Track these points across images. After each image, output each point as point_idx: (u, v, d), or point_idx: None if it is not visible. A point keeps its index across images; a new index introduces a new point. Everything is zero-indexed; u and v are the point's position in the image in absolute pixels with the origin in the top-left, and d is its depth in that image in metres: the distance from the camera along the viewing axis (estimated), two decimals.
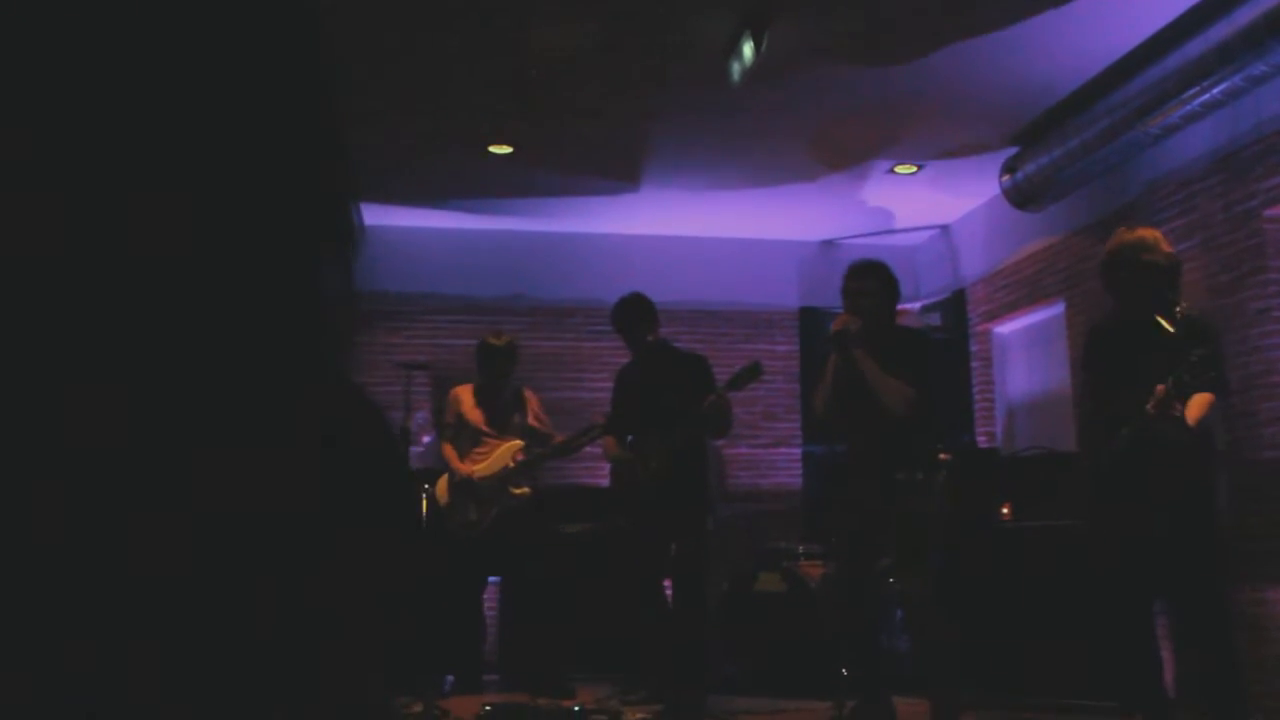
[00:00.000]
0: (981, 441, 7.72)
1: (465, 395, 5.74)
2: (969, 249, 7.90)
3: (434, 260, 7.87)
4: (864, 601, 4.38)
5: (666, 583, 5.30)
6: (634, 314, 5.27)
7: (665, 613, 5.23)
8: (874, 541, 4.35)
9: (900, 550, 4.32)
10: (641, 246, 8.12)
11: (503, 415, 5.67)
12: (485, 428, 5.61)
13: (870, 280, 4.43)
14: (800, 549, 6.36)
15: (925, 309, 8.30)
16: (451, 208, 7.68)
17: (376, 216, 7.31)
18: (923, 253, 8.49)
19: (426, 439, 7.36)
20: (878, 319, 4.39)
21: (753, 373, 4.87)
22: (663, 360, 5.24)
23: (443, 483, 5.65)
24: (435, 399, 7.12)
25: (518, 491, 5.53)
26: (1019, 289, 7.35)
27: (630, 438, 5.30)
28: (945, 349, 7.65)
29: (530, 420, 5.79)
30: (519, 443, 5.63)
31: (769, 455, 8.17)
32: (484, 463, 5.56)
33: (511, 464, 5.54)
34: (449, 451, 5.71)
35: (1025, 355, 7.62)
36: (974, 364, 7.93)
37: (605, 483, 6.30)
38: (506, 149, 6.63)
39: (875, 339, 4.33)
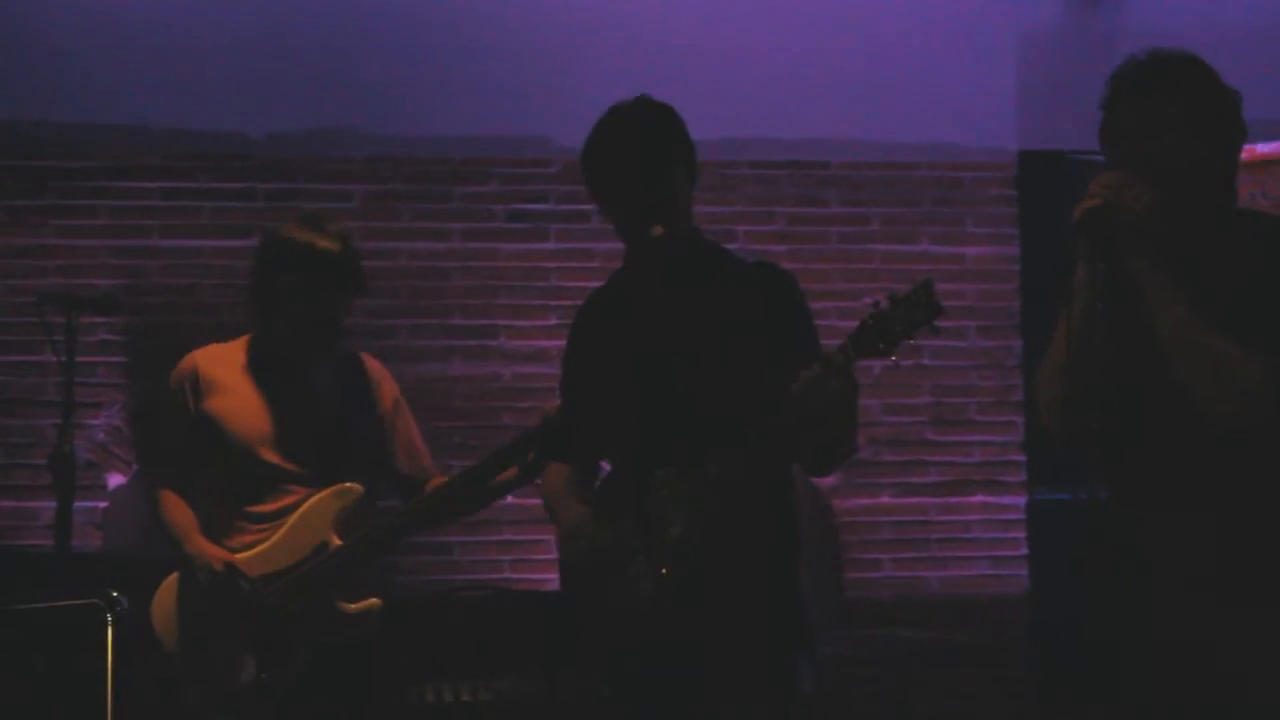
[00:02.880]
0: None
1: (224, 370, 4.36)
2: None
3: (129, 49, 6.18)
4: None
5: None
6: (631, 154, 3.70)
7: None
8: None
9: None
10: (630, 10, 6.55)
11: (318, 419, 4.26)
12: (270, 453, 4.28)
13: (1168, 98, 3.25)
14: None
15: None
16: None
17: None
18: None
19: (118, 480, 5.83)
20: (1186, 191, 3.22)
21: (918, 307, 3.38)
22: (692, 281, 3.76)
23: (165, 596, 4.32)
24: (136, 380, 5.88)
25: (354, 608, 4.19)
26: None
27: (608, 471, 4.03)
28: None
29: (392, 425, 4.44)
30: (351, 488, 4.23)
31: (951, 513, 6.61)
32: (264, 543, 4.29)
33: (336, 539, 4.21)
34: (173, 507, 4.25)
35: None
36: None
37: (542, 578, 6.11)
38: None
39: (1182, 239, 3.23)
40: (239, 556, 4.20)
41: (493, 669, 5.26)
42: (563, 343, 4.14)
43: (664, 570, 3.62)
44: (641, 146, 3.75)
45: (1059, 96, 6.44)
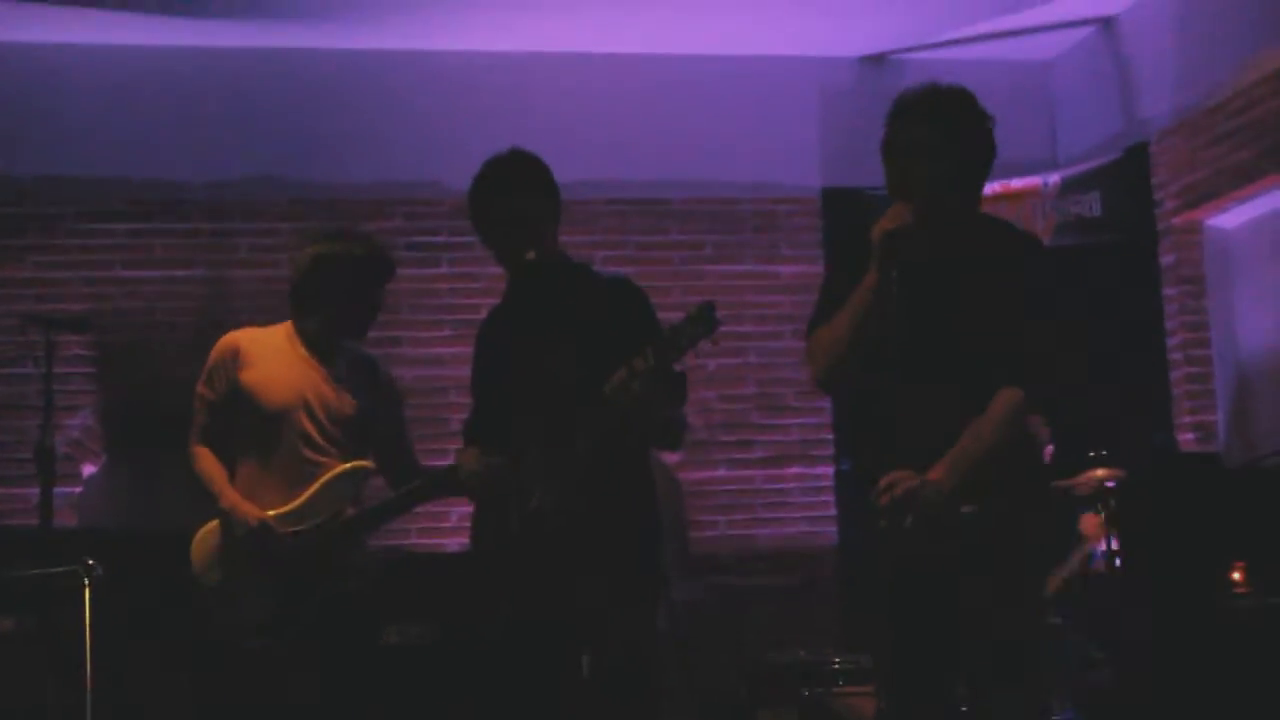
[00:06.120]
0: (1187, 442, 7.01)
1: (263, 348, 4.71)
2: (1153, 64, 7.29)
3: (95, 111, 6.97)
4: None
5: None
6: (511, 196, 4.35)
7: None
8: (940, 649, 3.71)
9: (991, 665, 3.71)
10: (511, 76, 7.36)
11: (341, 401, 4.69)
12: (304, 422, 4.64)
13: (929, 127, 3.77)
14: (837, 662, 5.73)
15: (1068, 185, 7.42)
16: (131, 3, 6.65)
17: None
18: (1064, 73, 7.97)
19: (91, 469, 6.38)
20: (942, 198, 3.72)
21: (700, 322, 3.97)
22: (562, 292, 4.41)
23: (206, 540, 4.65)
24: (104, 388, 6.49)
25: (358, 563, 4.72)
26: (1255, 140, 6.48)
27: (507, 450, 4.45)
28: (1111, 263, 7.21)
29: (399, 416, 4.90)
30: (364, 464, 4.66)
31: (773, 482, 7.47)
32: (294, 502, 4.60)
33: (350, 507, 4.65)
34: (207, 464, 4.62)
35: (1269, 271, 6.96)
36: (1168, 291, 7.07)
37: (454, 543, 6.56)
38: None
39: (939, 240, 3.73)
40: (269, 513, 4.53)
41: (403, 617, 5.89)
42: (454, 350, 4.80)
43: (545, 522, 4.13)
44: (511, 191, 4.27)
45: (855, 142, 6.63)
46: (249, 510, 4.53)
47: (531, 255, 4.21)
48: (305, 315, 4.72)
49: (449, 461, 4.65)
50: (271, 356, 4.72)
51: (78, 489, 6.47)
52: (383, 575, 4.97)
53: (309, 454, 4.63)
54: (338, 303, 4.71)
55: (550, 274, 4.29)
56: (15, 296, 6.49)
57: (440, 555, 6.58)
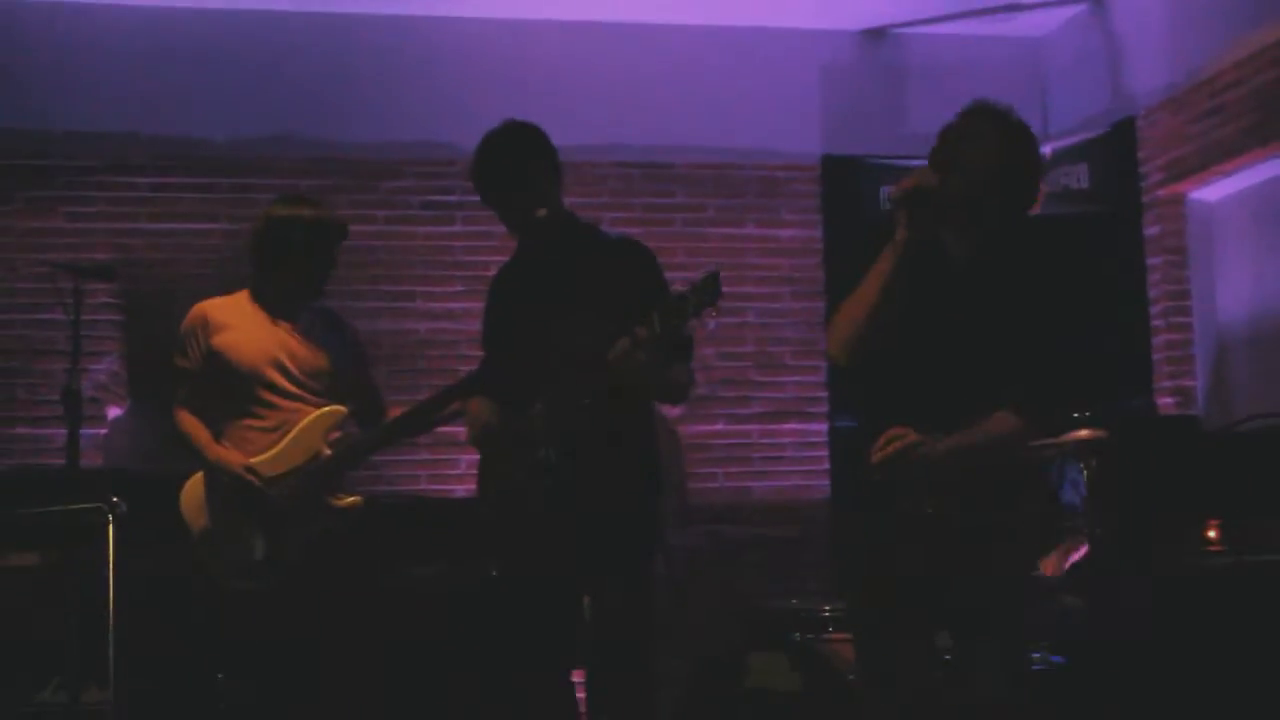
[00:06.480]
0: (1166, 406, 7.09)
1: (229, 315, 4.85)
2: (1142, 41, 7.30)
3: (120, 69, 6.96)
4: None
5: (578, 673, 4.69)
6: (515, 163, 4.44)
7: None
8: (921, 602, 3.83)
9: (972, 616, 3.83)
10: (521, 43, 7.35)
11: (309, 353, 4.83)
12: (273, 375, 4.77)
13: (1001, 133, 3.86)
14: (827, 610, 5.57)
15: (1058, 157, 7.40)
16: None
17: None
18: (1055, 49, 7.93)
19: (116, 412, 6.43)
20: (983, 196, 3.80)
21: (705, 292, 4.03)
22: (565, 253, 4.48)
23: (193, 490, 4.80)
24: (129, 334, 6.57)
25: (342, 503, 4.75)
26: (1239, 116, 6.48)
27: (514, 402, 4.53)
28: (1097, 233, 7.23)
29: (362, 363, 5.04)
30: (338, 409, 4.80)
31: (770, 437, 7.49)
32: (273, 449, 4.76)
33: (327, 449, 4.74)
34: (190, 425, 4.78)
35: (1250, 243, 6.98)
36: (1152, 261, 7.10)
37: (463, 489, 6.52)
38: None
39: (970, 239, 3.84)
40: (253, 460, 4.69)
41: (410, 558, 6.10)
42: (466, 305, 4.87)
43: (549, 472, 4.24)
44: (510, 157, 4.39)
45: (854, 112, 7.62)
46: (232, 457, 4.69)
47: (543, 212, 4.28)
48: (263, 277, 4.88)
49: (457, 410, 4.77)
50: (238, 321, 4.86)
51: (103, 431, 6.63)
52: (368, 516, 5.06)
53: (285, 404, 4.79)
54: (290, 264, 4.85)
55: (560, 233, 4.36)
56: (45, 245, 6.54)
57: (448, 500, 6.70)
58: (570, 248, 4.39)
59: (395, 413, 5.00)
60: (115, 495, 4.99)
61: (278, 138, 7.17)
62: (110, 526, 4.93)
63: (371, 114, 7.16)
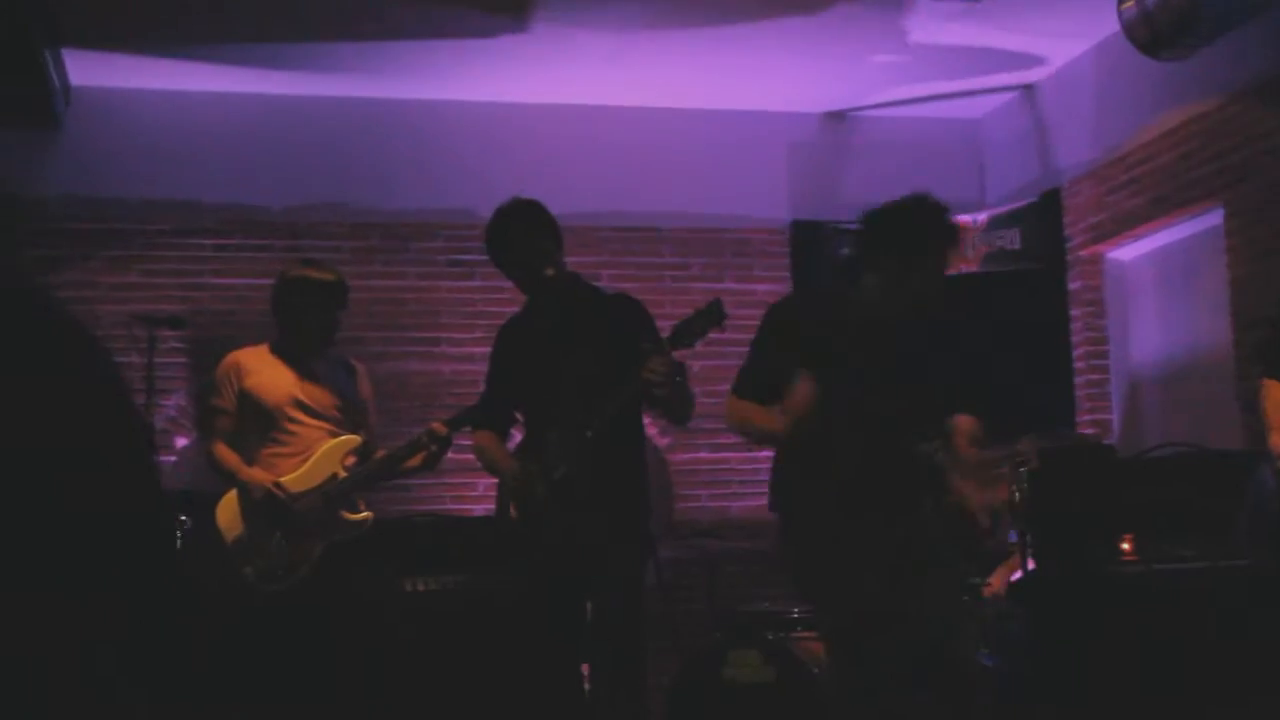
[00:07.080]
0: (1086, 433, 7.30)
1: (255, 362, 5.09)
2: (1067, 123, 7.69)
3: (190, 146, 7.37)
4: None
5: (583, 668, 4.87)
6: (523, 233, 4.67)
7: (581, 716, 4.78)
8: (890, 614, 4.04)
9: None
10: (532, 124, 7.74)
11: (325, 392, 5.07)
12: (293, 411, 4.97)
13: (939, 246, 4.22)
14: (795, 612, 5.89)
15: (994, 222, 7.78)
16: (221, 58, 7.03)
17: (90, 70, 6.83)
18: (991, 129, 8.35)
19: (183, 442, 6.94)
20: (935, 295, 4.18)
21: (711, 316, 4.31)
22: (571, 306, 4.74)
23: (228, 506, 4.96)
24: (196, 375, 6.84)
25: (354, 517, 4.94)
26: (1149, 188, 6.90)
27: (522, 436, 4.83)
28: (1027, 288, 7.54)
29: (366, 406, 5.21)
30: (354, 438, 5.01)
31: (747, 463, 7.57)
32: (296, 471, 4.93)
33: (343, 471, 4.94)
34: (224, 454, 4.95)
35: (1158, 296, 7.43)
36: (1074, 311, 7.54)
37: (482, 508, 6.63)
38: None
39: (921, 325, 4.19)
40: (285, 476, 4.96)
41: (438, 568, 6.28)
42: (486, 349, 5.04)
43: (556, 496, 4.48)
44: (521, 231, 4.70)
45: (817, 184, 8.12)
46: (261, 477, 4.89)
47: (550, 271, 4.59)
48: (280, 330, 5.12)
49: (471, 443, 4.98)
50: (263, 367, 5.08)
51: (173, 458, 7.03)
52: (373, 529, 5.22)
53: (305, 434, 5.01)
54: (298, 320, 5.08)
55: (565, 290, 4.70)
56: (123, 298, 6.92)
57: (469, 518, 6.96)
58: (574, 300, 4.69)
59: (381, 453, 5.20)
60: (181, 515, 5.35)
61: (324, 205, 7.57)
62: (178, 541, 5.23)
63: (405, 184, 7.57)
